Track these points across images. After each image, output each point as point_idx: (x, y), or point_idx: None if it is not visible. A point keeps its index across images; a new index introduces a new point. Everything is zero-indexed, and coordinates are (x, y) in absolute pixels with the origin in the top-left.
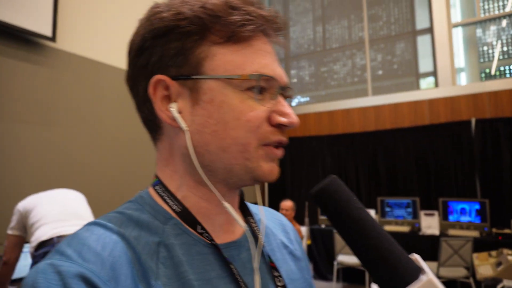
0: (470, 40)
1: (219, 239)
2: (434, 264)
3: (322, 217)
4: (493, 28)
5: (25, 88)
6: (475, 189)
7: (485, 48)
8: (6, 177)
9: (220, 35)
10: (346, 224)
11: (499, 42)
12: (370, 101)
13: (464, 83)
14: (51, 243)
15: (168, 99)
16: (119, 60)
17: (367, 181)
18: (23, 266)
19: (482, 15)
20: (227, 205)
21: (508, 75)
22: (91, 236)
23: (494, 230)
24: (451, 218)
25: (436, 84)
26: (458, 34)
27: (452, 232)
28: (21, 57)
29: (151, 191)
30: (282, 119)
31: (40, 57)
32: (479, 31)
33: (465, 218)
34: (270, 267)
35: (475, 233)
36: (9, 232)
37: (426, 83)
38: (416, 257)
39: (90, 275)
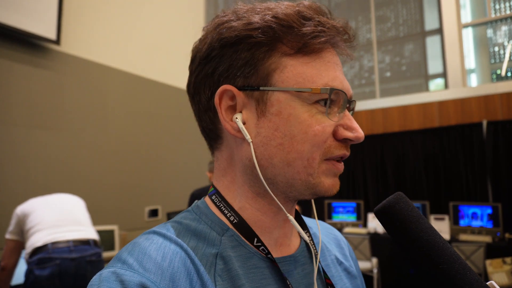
0: (481, 40)
1: (275, 253)
2: None
3: (329, 221)
4: (504, 28)
5: (29, 92)
6: (487, 192)
7: (496, 48)
8: (9, 181)
9: (291, 46)
10: (414, 246)
11: (511, 42)
12: (378, 103)
13: (474, 84)
14: (45, 250)
15: (233, 109)
16: (125, 63)
17: (375, 185)
18: (22, 272)
19: (493, 15)
20: (291, 218)
21: None
22: (151, 245)
23: (507, 235)
24: (462, 222)
25: (446, 86)
26: (468, 34)
27: (463, 237)
28: (25, 60)
29: (208, 200)
30: (349, 134)
31: (44, 60)
32: (489, 32)
33: (476, 223)
34: (326, 283)
35: (487, 238)
36: (7, 236)
37: (435, 84)
38: (492, 284)
39: (151, 285)
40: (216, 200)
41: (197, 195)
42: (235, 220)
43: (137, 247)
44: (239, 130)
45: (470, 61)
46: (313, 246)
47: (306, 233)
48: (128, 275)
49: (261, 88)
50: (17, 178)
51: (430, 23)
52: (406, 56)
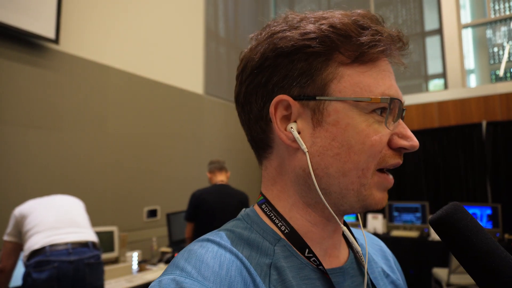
0: (480, 41)
1: (324, 264)
2: (445, 271)
3: None
4: (503, 29)
5: (27, 91)
6: (486, 193)
7: (496, 49)
8: (10, 182)
9: (348, 55)
10: (474, 259)
11: (510, 43)
12: None
13: (474, 85)
14: (43, 252)
15: (287, 119)
16: (124, 62)
17: None
18: (20, 275)
19: (493, 16)
20: (345, 228)
21: None
22: (207, 253)
23: (506, 236)
24: None
25: (446, 86)
26: (468, 35)
27: None
28: (23, 60)
29: (257, 209)
30: (404, 143)
31: (43, 59)
32: (489, 32)
33: None
34: None
35: None
36: (5, 238)
37: (434, 85)
38: None
39: None
40: (266, 209)
41: (198, 195)
42: (286, 230)
43: (193, 255)
44: (294, 140)
45: (470, 62)
46: (361, 258)
47: (359, 245)
48: (188, 283)
49: (318, 98)
50: (15, 179)
51: (430, 23)
52: (406, 56)
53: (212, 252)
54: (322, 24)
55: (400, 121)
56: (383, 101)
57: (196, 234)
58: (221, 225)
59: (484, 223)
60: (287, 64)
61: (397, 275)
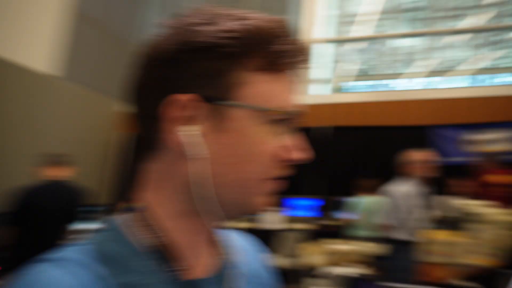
0: (335, 55)
1: (195, 275)
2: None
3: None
4: (350, 47)
5: None
6: (319, 188)
7: (340, 64)
8: None
9: (257, 62)
10: None
11: (355, 60)
12: None
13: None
14: None
15: (182, 120)
16: (24, 56)
17: None
18: None
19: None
20: (222, 238)
21: (361, 90)
22: (53, 278)
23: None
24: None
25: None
26: (323, 49)
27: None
28: None
29: (125, 217)
30: (297, 155)
31: None
32: (340, 49)
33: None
34: None
35: (311, 226)
36: None
37: None
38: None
39: None
40: (136, 217)
41: (24, 194)
42: (159, 242)
43: (34, 284)
44: (186, 144)
45: (321, 73)
46: (233, 264)
47: (229, 249)
48: None
49: (219, 102)
50: None
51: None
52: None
53: (48, 279)
54: (241, 24)
55: (295, 133)
56: (282, 113)
57: (22, 240)
58: (53, 228)
59: (316, 212)
60: (192, 61)
61: (266, 274)
